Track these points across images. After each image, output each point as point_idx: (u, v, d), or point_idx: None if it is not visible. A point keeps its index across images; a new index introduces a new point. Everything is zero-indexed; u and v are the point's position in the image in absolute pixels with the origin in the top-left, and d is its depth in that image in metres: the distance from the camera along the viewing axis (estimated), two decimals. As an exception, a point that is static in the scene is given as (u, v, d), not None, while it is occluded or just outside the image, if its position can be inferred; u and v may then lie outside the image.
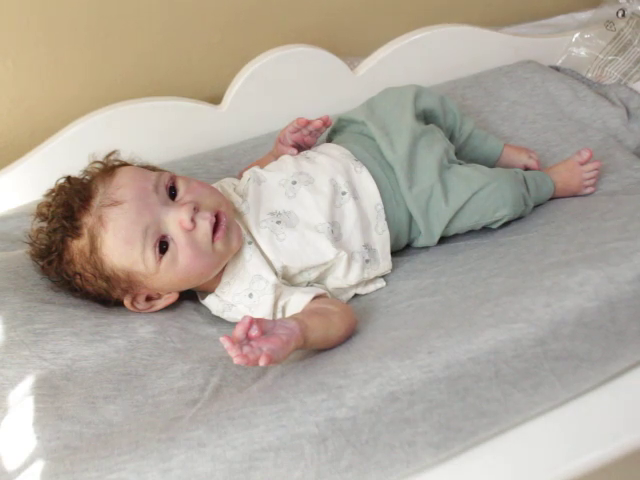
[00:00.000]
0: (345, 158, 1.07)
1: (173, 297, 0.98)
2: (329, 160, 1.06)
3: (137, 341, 0.92)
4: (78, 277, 0.94)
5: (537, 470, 0.84)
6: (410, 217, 1.07)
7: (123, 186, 0.93)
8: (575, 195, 1.16)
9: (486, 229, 1.10)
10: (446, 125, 1.17)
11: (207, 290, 1.01)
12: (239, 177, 1.14)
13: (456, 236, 1.10)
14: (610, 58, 1.51)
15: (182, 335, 0.95)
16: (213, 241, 0.94)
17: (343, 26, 1.47)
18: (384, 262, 1.05)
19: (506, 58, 1.47)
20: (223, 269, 0.99)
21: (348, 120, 1.16)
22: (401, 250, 1.11)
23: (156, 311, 0.98)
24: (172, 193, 0.96)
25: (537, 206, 1.14)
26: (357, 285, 1.04)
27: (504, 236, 1.08)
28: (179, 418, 0.81)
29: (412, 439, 0.80)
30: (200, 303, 1.02)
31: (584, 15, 1.60)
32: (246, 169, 1.13)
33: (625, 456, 0.86)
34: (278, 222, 1.00)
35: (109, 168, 0.97)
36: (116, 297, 0.96)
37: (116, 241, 0.91)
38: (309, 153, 1.09)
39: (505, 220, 1.08)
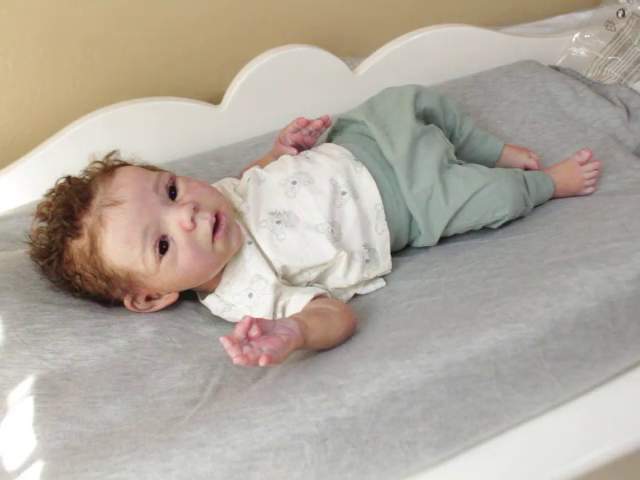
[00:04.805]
0: (345, 158, 1.07)
1: (173, 297, 0.98)
2: (329, 160, 1.06)
3: (137, 341, 0.92)
4: (78, 277, 0.94)
5: (537, 470, 0.84)
6: (410, 217, 1.07)
7: (123, 186, 0.93)
8: (575, 195, 1.16)
9: (486, 229, 1.10)
10: (446, 125, 1.17)
11: (207, 290, 1.01)
12: (239, 177, 1.14)
13: (456, 236, 1.10)
14: (610, 58, 1.51)
15: (182, 335, 0.95)
16: (213, 241, 0.94)
17: (343, 26, 1.47)
18: (384, 262, 1.05)
19: (506, 58, 1.47)
20: (223, 269, 0.99)
21: (348, 120, 1.16)
22: (401, 250, 1.11)
23: (156, 311, 0.98)
24: (172, 193, 0.96)
25: (537, 206, 1.14)
26: (357, 285, 1.04)
27: (504, 236, 1.08)
28: (179, 418, 0.81)
29: (412, 439, 0.80)
30: (200, 303, 1.02)
31: (584, 15, 1.60)
32: (246, 169, 1.13)
33: (625, 456, 0.86)
34: (278, 222, 1.00)
35: (109, 168, 0.97)
36: (116, 297, 0.96)
37: (116, 241, 0.91)
38: (309, 153, 1.09)
39: (505, 220, 1.08)
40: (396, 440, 0.80)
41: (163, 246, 0.93)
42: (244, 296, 0.97)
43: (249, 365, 0.77)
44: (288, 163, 1.07)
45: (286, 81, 1.34)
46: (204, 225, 0.93)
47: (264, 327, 0.81)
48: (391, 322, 0.94)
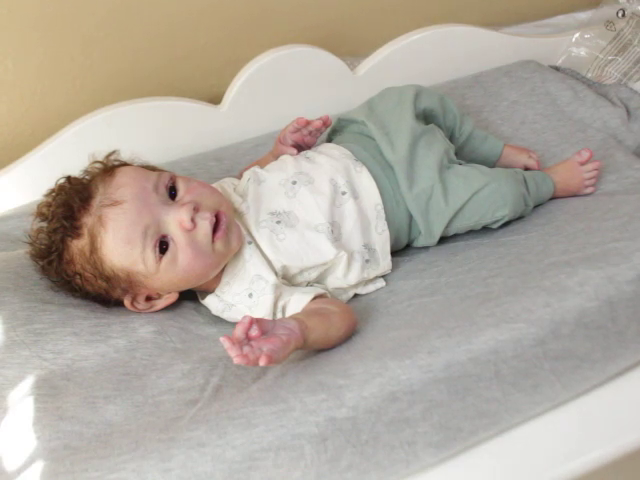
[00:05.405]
0: (345, 158, 1.07)
1: (173, 297, 0.98)
2: (329, 160, 1.06)
3: (137, 341, 0.92)
4: (78, 277, 0.94)
5: (537, 470, 0.84)
6: (410, 217, 1.07)
7: (123, 186, 0.93)
8: (575, 195, 1.16)
9: (486, 229, 1.10)
10: (446, 125, 1.17)
11: (207, 290, 1.01)
12: (239, 177, 1.14)
13: (456, 236, 1.10)
14: (610, 58, 1.51)
15: (182, 335, 0.95)
16: (213, 241, 0.94)
17: (343, 26, 1.47)
18: (384, 262, 1.05)
19: (506, 58, 1.47)
20: (223, 269, 0.99)
21: (348, 120, 1.16)
22: (401, 250, 1.11)
23: (156, 311, 0.98)
24: (172, 193, 0.96)
25: (537, 206, 1.14)
26: (357, 285, 1.04)
27: (504, 236, 1.08)
28: (179, 418, 0.81)
29: (412, 439, 0.80)
30: (200, 303, 1.02)
31: (584, 15, 1.60)
32: (246, 169, 1.13)
33: (625, 456, 0.86)
34: (278, 222, 1.00)
35: (109, 168, 0.97)
36: (116, 297, 0.96)
37: (116, 241, 0.91)
38: (309, 153, 1.09)
39: (505, 220, 1.08)
40: (396, 440, 0.80)
41: (163, 246, 0.93)
42: (244, 296, 0.97)
43: (249, 365, 0.77)
44: (288, 163, 1.07)
45: (286, 81, 1.34)
46: (204, 225, 0.93)
47: (264, 327, 0.81)
48: (391, 322, 0.94)
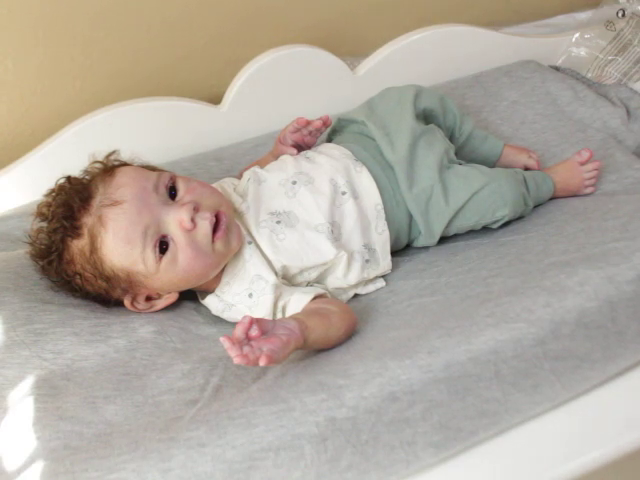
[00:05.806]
0: (345, 158, 1.07)
1: (173, 297, 0.98)
2: (329, 160, 1.06)
3: (137, 341, 0.92)
4: (78, 277, 0.94)
5: (537, 470, 0.84)
6: (410, 217, 1.07)
7: (123, 186, 0.93)
8: (575, 195, 1.16)
9: (486, 229, 1.10)
10: (446, 125, 1.17)
11: (207, 290, 1.01)
12: (239, 177, 1.14)
13: (456, 236, 1.10)
14: (610, 58, 1.51)
15: (182, 335, 0.95)
16: (213, 241, 0.94)
17: (343, 26, 1.47)
18: (384, 262, 1.05)
19: (506, 58, 1.47)
20: (223, 269, 0.99)
21: (348, 120, 1.16)
22: (401, 250, 1.11)
23: (156, 311, 0.98)
24: (172, 193, 0.96)
25: (537, 206, 1.14)
26: (357, 285, 1.04)
27: (504, 236, 1.08)
28: (179, 418, 0.81)
29: (412, 439, 0.80)
30: (200, 303, 1.02)
31: (584, 15, 1.60)
32: (246, 169, 1.13)
33: (625, 456, 0.86)
34: (278, 222, 1.00)
35: (109, 168, 0.97)
36: (116, 297, 0.96)
37: (116, 241, 0.91)
38: (309, 153, 1.09)
39: (505, 220, 1.08)
40: (396, 440, 0.80)
41: (163, 246, 0.93)
42: (244, 296, 0.97)
43: (249, 365, 0.77)
44: (288, 163, 1.07)
45: (286, 81, 1.34)
46: (204, 225, 0.93)
47: (264, 327, 0.81)
48: (391, 322, 0.94)
